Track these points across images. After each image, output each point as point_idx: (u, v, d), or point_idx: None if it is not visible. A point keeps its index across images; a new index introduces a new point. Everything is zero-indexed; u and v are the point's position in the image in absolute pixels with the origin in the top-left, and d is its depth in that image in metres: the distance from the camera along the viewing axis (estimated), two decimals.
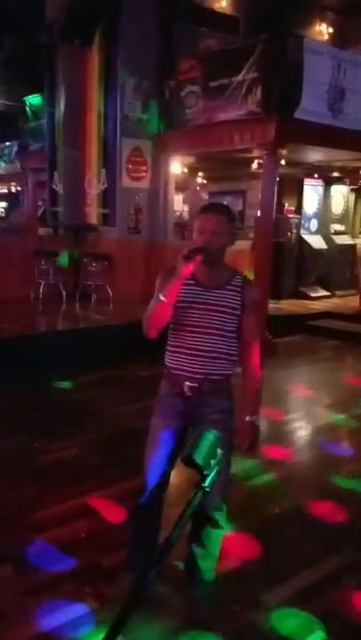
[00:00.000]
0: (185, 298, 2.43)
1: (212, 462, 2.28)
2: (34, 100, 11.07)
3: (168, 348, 2.54)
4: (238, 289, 2.44)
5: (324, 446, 4.85)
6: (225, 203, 13.10)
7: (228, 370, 2.49)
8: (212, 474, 2.17)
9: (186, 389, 2.46)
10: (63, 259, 9.28)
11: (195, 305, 2.42)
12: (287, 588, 2.88)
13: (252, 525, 3.46)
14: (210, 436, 2.41)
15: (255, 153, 8.23)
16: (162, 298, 2.35)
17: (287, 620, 2.66)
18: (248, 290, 2.46)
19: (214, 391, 2.46)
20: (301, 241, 10.92)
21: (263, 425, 5.48)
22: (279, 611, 2.71)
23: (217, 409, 2.47)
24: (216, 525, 2.59)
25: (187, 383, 2.45)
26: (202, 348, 2.42)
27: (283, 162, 8.63)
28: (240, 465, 4.18)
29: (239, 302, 2.43)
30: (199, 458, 2.17)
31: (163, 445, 2.55)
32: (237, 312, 2.43)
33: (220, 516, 2.58)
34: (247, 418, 2.48)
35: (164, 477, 2.60)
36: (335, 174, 11.31)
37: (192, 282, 2.44)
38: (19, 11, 10.58)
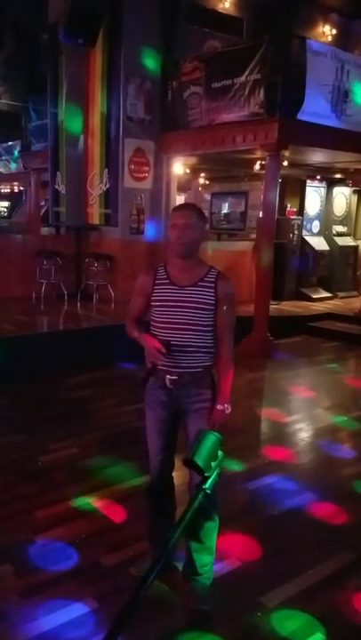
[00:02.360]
0: (160, 297, 2.58)
1: (213, 464, 2.28)
2: (36, 99, 11.07)
3: None
4: (212, 284, 2.55)
5: (325, 448, 4.85)
6: (227, 204, 13.18)
7: (207, 362, 2.61)
8: (213, 476, 2.17)
9: (167, 382, 2.59)
10: None
11: (170, 303, 2.56)
12: (288, 589, 2.87)
13: (253, 526, 3.46)
14: (211, 438, 2.41)
15: (258, 154, 8.22)
16: (135, 335, 2.65)
17: (287, 621, 2.66)
18: (221, 285, 2.56)
19: (194, 382, 2.58)
20: (304, 242, 10.92)
21: (265, 426, 5.51)
22: (279, 612, 2.71)
23: (198, 399, 2.60)
24: (208, 517, 2.64)
25: (167, 377, 2.58)
26: (178, 343, 2.53)
27: (285, 163, 8.64)
28: (242, 466, 4.19)
29: (212, 297, 2.54)
30: (200, 460, 2.17)
31: (157, 434, 2.70)
32: (212, 307, 2.54)
33: (211, 508, 2.62)
34: (218, 406, 2.58)
35: (165, 463, 2.73)
36: (338, 176, 11.31)
37: (166, 281, 2.59)
38: (22, 10, 10.58)
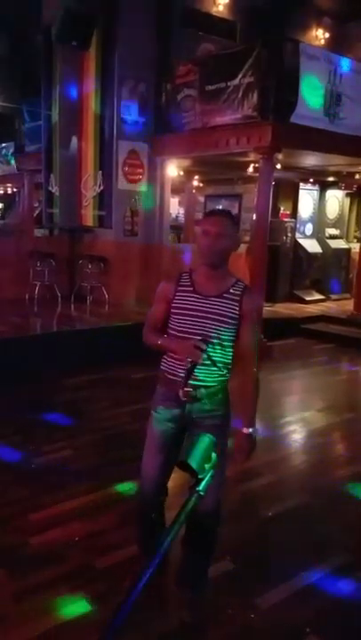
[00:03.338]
0: (182, 305, 2.43)
1: (207, 466, 2.29)
2: (30, 101, 11.06)
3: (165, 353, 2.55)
4: (237, 297, 2.41)
5: (318, 449, 4.87)
6: (220, 206, 13.20)
7: (224, 377, 2.48)
8: (207, 478, 2.17)
9: (181, 395, 2.43)
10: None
11: (191, 312, 2.41)
12: (282, 591, 2.88)
13: (247, 528, 3.47)
14: (205, 440, 2.42)
15: (251, 157, 8.25)
16: (158, 342, 2.46)
17: (280, 622, 2.67)
18: (247, 299, 2.42)
19: (208, 397, 2.45)
20: (297, 245, 10.96)
21: (258, 427, 5.51)
22: (273, 613, 2.72)
23: (211, 415, 2.46)
24: (209, 531, 2.60)
25: (181, 389, 2.42)
26: None
27: (278, 166, 8.67)
28: (234, 468, 4.19)
29: (236, 311, 2.40)
30: (193, 462, 2.17)
31: (159, 453, 2.56)
32: (234, 321, 2.40)
33: (213, 523, 2.58)
34: (245, 430, 2.47)
35: (160, 485, 2.61)
36: (331, 179, 11.36)
37: (190, 289, 2.44)
38: (16, 12, 10.57)
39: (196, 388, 2.42)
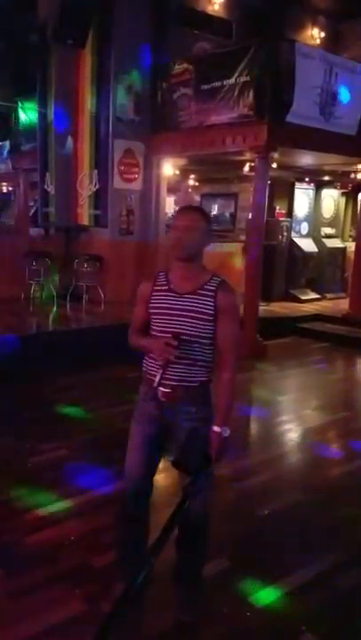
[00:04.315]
0: (158, 304, 2.43)
1: (201, 465, 2.29)
2: (26, 100, 11.04)
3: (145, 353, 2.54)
4: (211, 293, 2.38)
5: (313, 448, 4.87)
6: (216, 205, 13.18)
7: (204, 377, 2.44)
8: (201, 477, 2.18)
9: (160, 395, 2.42)
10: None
11: (167, 311, 2.40)
12: (277, 588, 2.89)
13: (243, 526, 3.47)
14: (200, 440, 2.42)
15: (247, 156, 8.25)
16: (140, 343, 2.48)
17: (276, 620, 2.68)
18: (222, 294, 2.38)
19: (188, 398, 2.41)
20: (292, 244, 10.97)
21: (253, 426, 5.53)
22: (268, 612, 2.73)
23: (190, 416, 2.42)
24: (200, 530, 2.59)
25: (160, 389, 2.41)
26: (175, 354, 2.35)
27: (274, 165, 8.67)
28: (230, 466, 4.20)
29: (212, 307, 2.37)
30: (188, 461, 2.18)
31: (139, 452, 2.54)
32: (211, 317, 2.37)
33: (203, 522, 2.58)
34: (215, 428, 2.39)
35: (144, 484, 2.57)
36: (326, 178, 11.38)
37: (165, 287, 2.44)
38: (10, 10, 10.53)
39: (175, 388, 2.39)
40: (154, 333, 2.46)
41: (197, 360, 2.40)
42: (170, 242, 2.45)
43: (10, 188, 15.41)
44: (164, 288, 2.44)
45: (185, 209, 2.64)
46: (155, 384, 2.39)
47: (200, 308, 2.37)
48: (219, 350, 2.43)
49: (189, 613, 2.65)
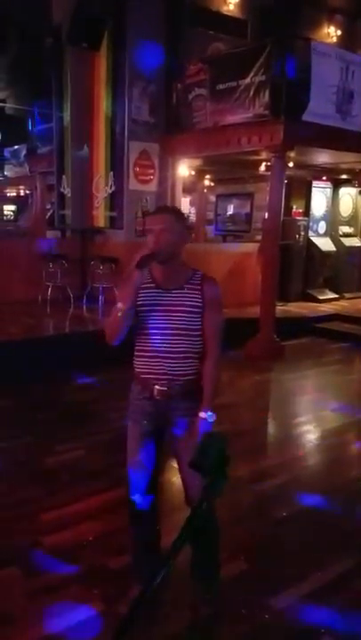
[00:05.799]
0: (146, 301, 2.45)
1: (219, 466, 2.27)
2: (41, 103, 11.12)
3: (135, 352, 2.57)
4: (197, 287, 2.45)
5: (333, 449, 4.82)
6: (232, 205, 13.13)
7: (195, 370, 2.49)
8: (219, 478, 2.15)
9: (155, 393, 2.46)
10: None
11: (156, 307, 2.44)
12: (296, 591, 2.85)
13: (261, 528, 3.45)
14: (217, 439, 2.40)
15: (263, 155, 8.21)
16: (118, 305, 2.42)
17: (294, 622, 2.64)
18: (207, 287, 2.46)
19: (183, 393, 2.46)
20: (310, 243, 10.89)
21: (272, 427, 5.49)
22: (287, 614, 2.70)
23: (187, 412, 2.47)
24: (209, 526, 2.56)
25: (156, 387, 2.46)
26: (167, 349, 2.43)
27: (291, 164, 8.62)
28: (248, 468, 4.17)
29: (199, 300, 2.43)
30: (206, 462, 2.16)
31: (139, 452, 2.58)
32: (199, 310, 2.43)
33: (211, 522, 2.56)
34: (201, 414, 2.43)
35: (146, 482, 2.60)
36: (344, 176, 11.28)
37: (152, 284, 2.47)
38: (26, 14, 10.62)
39: (170, 384, 2.44)
40: (144, 331, 2.48)
41: (189, 352, 2.45)
42: (148, 245, 2.40)
43: (27, 192, 15.54)
44: (150, 285, 2.47)
45: (156, 211, 2.65)
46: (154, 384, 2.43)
47: (189, 301, 2.43)
48: (205, 339, 2.48)
49: (207, 613, 2.64)
